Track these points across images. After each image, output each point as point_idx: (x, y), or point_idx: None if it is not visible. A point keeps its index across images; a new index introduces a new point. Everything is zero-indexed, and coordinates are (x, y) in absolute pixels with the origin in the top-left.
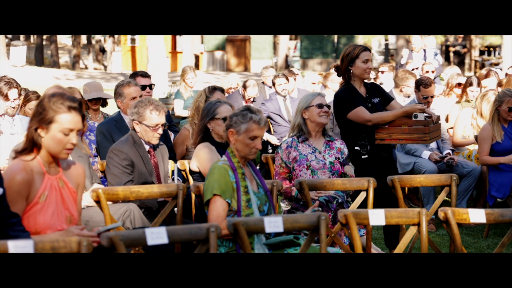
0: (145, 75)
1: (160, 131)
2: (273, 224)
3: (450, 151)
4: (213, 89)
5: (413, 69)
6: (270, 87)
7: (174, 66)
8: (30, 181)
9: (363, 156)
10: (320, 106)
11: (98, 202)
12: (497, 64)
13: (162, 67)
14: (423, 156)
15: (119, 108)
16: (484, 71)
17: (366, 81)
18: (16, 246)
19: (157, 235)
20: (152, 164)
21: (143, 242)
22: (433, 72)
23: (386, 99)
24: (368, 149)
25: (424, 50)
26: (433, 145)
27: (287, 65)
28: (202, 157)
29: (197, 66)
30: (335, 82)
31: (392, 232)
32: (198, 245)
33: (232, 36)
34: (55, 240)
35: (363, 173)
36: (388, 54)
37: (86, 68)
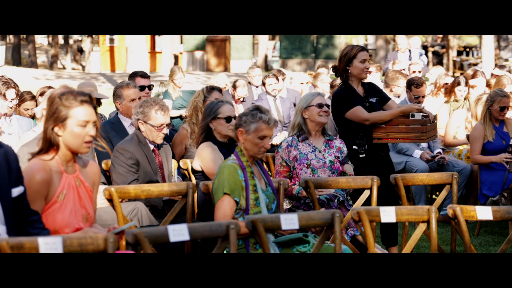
0: (144, 75)
1: (165, 130)
2: (289, 221)
3: (441, 150)
4: (211, 89)
5: (400, 70)
6: (257, 87)
7: (153, 66)
8: (49, 180)
9: (361, 156)
10: (320, 105)
11: (110, 200)
12: (475, 64)
13: (144, 67)
14: (415, 155)
15: (117, 109)
16: (470, 72)
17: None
18: (46, 242)
19: (178, 232)
20: (157, 163)
21: (166, 239)
22: (420, 72)
23: (383, 99)
24: (366, 148)
25: (409, 50)
26: (424, 144)
27: (266, 65)
28: (205, 157)
29: None
30: (324, 82)
31: (389, 230)
32: (217, 242)
33: (212, 36)
34: (82, 237)
35: (361, 172)
36: None
37: (64, 68)
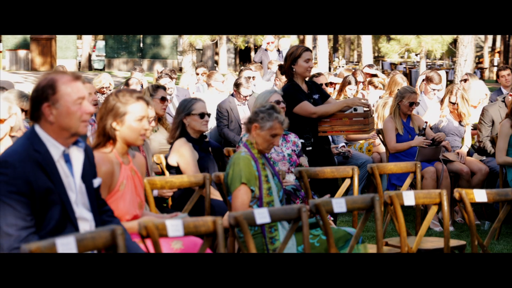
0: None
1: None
2: (339, 205)
3: (344, 144)
4: (156, 87)
5: None
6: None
7: None
8: (112, 171)
9: (307, 148)
10: (277, 102)
11: None
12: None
13: None
14: None
15: None
16: (346, 72)
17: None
18: (172, 224)
19: (262, 215)
20: None
21: (253, 222)
22: None
23: (324, 96)
24: (312, 142)
25: (279, 50)
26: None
27: (90, 64)
28: (184, 154)
29: None
30: (218, 81)
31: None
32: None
33: (36, 35)
34: (195, 220)
35: (308, 164)
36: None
37: None
